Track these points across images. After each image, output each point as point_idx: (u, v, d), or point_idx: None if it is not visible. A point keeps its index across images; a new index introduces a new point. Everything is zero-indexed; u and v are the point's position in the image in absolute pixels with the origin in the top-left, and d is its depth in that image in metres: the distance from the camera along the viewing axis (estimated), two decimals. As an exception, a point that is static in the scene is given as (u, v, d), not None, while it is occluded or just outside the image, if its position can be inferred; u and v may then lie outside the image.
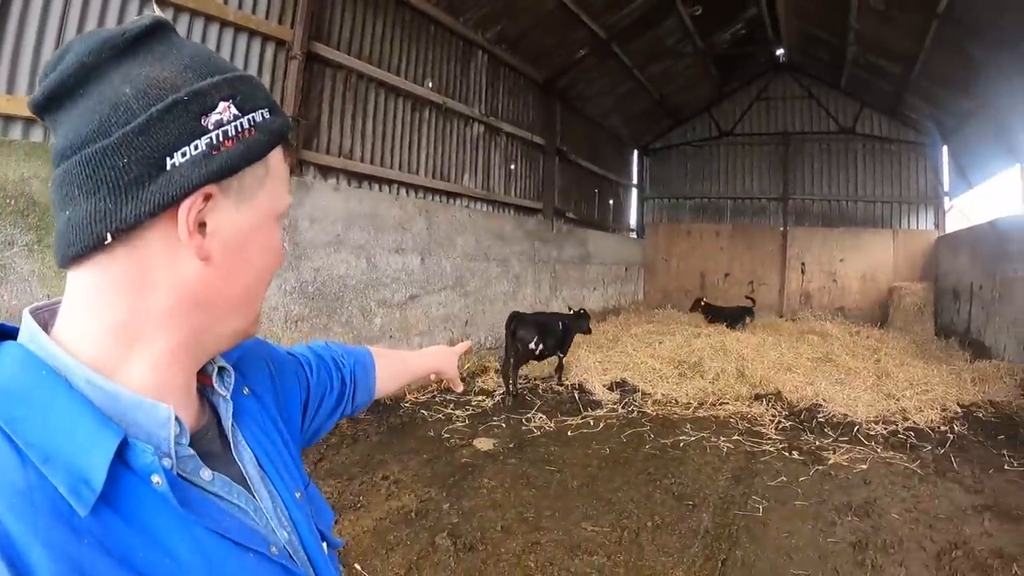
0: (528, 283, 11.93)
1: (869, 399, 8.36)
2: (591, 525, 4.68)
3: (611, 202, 17.48)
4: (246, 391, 0.96)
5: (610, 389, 8.82)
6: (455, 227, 9.80)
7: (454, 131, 10.40)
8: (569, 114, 14.47)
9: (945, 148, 15.82)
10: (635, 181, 19.26)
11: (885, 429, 7.29)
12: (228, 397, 0.89)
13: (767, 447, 6.62)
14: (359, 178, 8.42)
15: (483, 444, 6.48)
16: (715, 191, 18.52)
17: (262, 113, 0.79)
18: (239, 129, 0.75)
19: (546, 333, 8.72)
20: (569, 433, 6.97)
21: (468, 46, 10.61)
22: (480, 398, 8.24)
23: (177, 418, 0.73)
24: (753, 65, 17.59)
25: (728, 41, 15.73)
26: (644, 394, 8.66)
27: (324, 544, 0.97)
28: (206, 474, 0.78)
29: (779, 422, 7.52)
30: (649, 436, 6.93)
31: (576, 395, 8.56)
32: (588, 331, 9.94)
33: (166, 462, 0.71)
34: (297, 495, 0.94)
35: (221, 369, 0.90)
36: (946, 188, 15.98)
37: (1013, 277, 9.66)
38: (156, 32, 0.75)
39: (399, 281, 8.53)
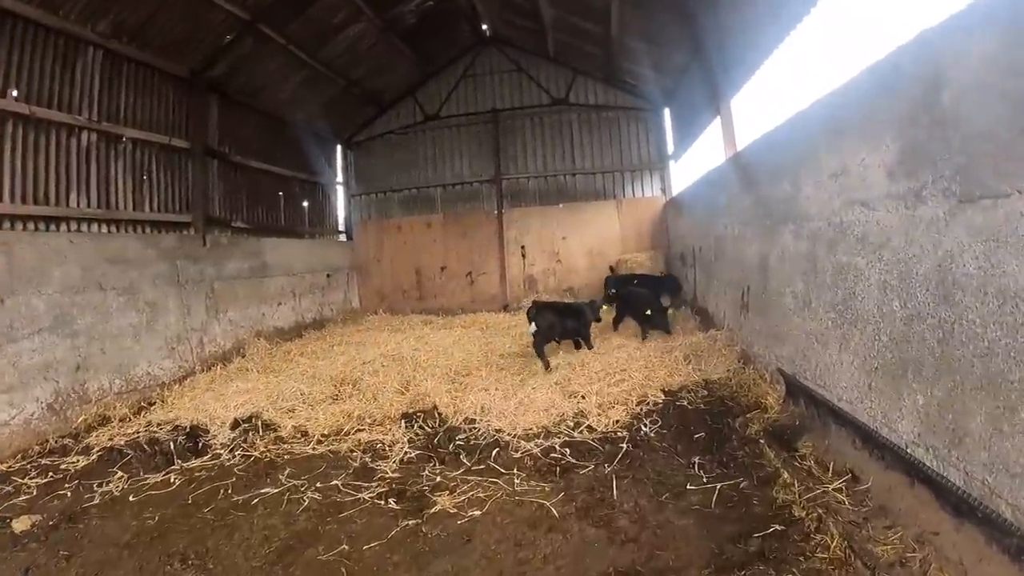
0: (170, 309, 9.88)
1: (545, 401, 6.98)
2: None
3: (305, 204, 15.63)
4: None
5: (234, 427, 7.02)
6: (50, 258, 7.97)
7: (52, 144, 8.69)
8: (235, 110, 12.58)
9: (667, 111, 15.44)
10: (340, 178, 17.41)
11: (539, 447, 5.77)
12: None
13: (364, 495, 5.13)
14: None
15: (21, 524, 5.07)
16: (424, 179, 17.04)
17: None
18: None
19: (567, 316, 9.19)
20: (131, 498, 5.47)
21: (73, 43, 8.87)
22: (75, 459, 6.43)
23: None
24: (457, 41, 16.40)
25: (414, 13, 14.20)
26: (271, 428, 6.96)
27: None
28: None
29: (405, 453, 5.95)
30: (226, 492, 5.44)
31: (180, 440, 6.70)
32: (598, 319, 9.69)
33: None
34: None
35: None
36: (670, 151, 15.54)
37: (724, 234, 8.23)
38: None
39: (-34, 331, 6.86)
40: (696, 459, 5.09)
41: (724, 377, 7.25)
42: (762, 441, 5.25)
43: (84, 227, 9.13)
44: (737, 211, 7.75)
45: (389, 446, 6.11)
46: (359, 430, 6.67)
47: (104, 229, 9.43)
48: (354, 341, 11.82)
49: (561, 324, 8.91)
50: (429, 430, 6.42)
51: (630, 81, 15.06)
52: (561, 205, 15.96)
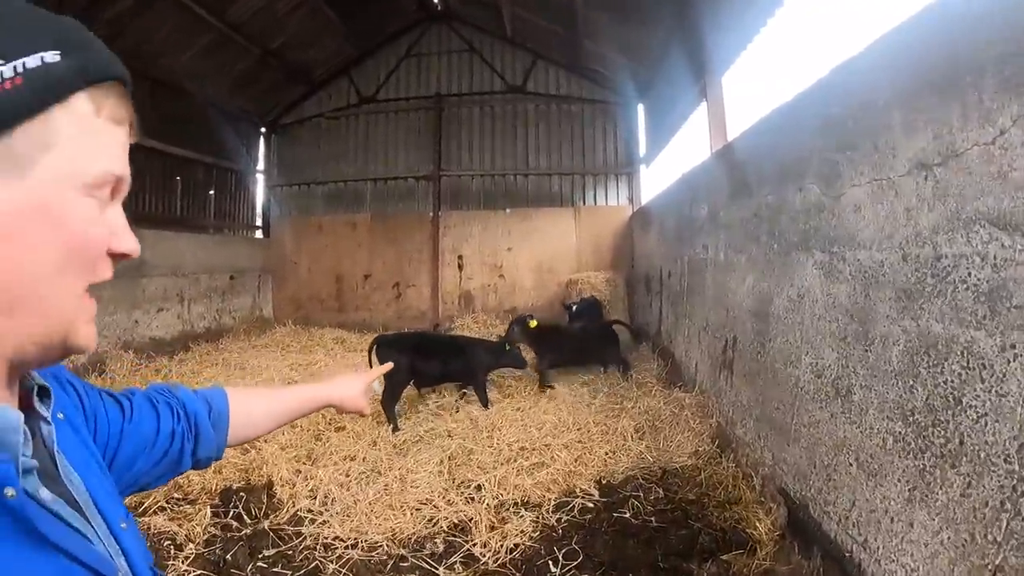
0: None
1: (422, 490, 4.77)
2: None
3: (211, 193, 13.12)
4: (60, 416, 0.85)
5: None
6: None
7: None
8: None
9: (641, 106, 13.00)
10: (261, 166, 14.83)
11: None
12: (49, 419, 0.78)
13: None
14: None
15: None
16: (353, 172, 14.41)
17: (41, 56, 0.64)
18: None
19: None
20: None
21: None
22: None
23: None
24: (402, 15, 13.92)
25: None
26: None
27: None
28: (45, 493, 0.68)
29: (186, 572, 3.76)
30: None
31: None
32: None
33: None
34: (123, 525, 0.84)
35: (41, 389, 0.79)
36: (642, 153, 13.12)
37: (701, 258, 5.92)
38: None
39: None
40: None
41: (690, 466, 4.96)
42: (755, 632, 3.00)
43: None
44: (724, 227, 5.47)
45: (179, 547, 3.99)
46: (162, 508, 4.53)
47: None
48: (236, 362, 9.53)
49: (412, 366, 6.50)
50: (248, 524, 4.29)
51: (598, 69, 12.66)
52: (508, 210, 13.44)
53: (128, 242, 0.76)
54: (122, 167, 0.75)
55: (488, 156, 13.78)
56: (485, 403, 6.74)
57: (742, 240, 4.95)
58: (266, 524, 4.27)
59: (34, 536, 0.62)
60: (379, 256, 13.77)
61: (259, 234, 14.66)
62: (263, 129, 14.68)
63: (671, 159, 10.87)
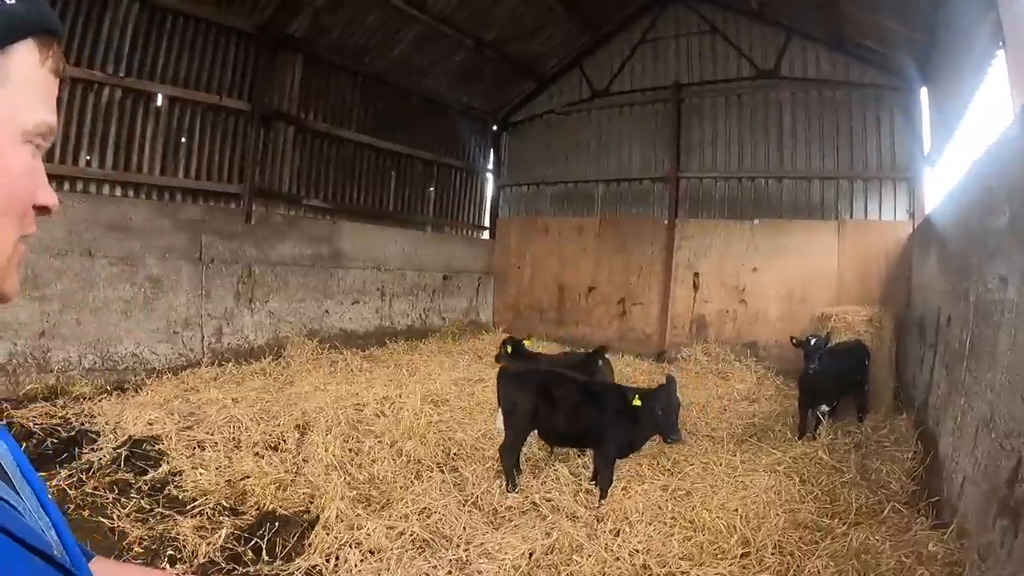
0: (182, 289, 8.57)
1: None
2: None
3: (431, 190, 12.77)
4: None
5: (122, 444, 5.26)
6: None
7: (75, 102, 7.82)
8: (327, 73, 10.67)
9: (924, 90, 9.63)
10: (491, 165, 14.22)
11: None
12: None
13: None
14: None
15: None
16: (583, 172, 13.08)
17: None
18: None
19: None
20: None
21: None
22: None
23: None
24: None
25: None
26: (144, 463, 5.01)
27: None
28: None
29: None
30: None
31: (52, 444, 5.31)
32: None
33: None
34: (49, 495, 0.81)
35: None
36: (926, 151, 9.67)
37: (999, 300, 3.59)
38: None
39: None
40: None
41: None
42: None
43: (91, 188, 8.04)
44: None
45: (178, 560, 3.66)
46: (199, 512, 4.23)
47: (120, 192, 8.33)
48: (413, 365, 9.14)
49: (535, 412, 4.85)
50: (264, 560, 3.76)
51: (867, 43, 9.75)
52: (756, 221, 11.09)
53: (51, 195, 0.72)
54: (55, 119, 0.71)
55: (734, 155, 11.55)
56: (605, 487, 4.69)
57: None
58: (267, 570, 3.66)
59: None
60: (605, 265, 12.42)
61: (485, 235, 14.15)
62: (494, 127, 14.10)
63: (963, 154, 7.60)
